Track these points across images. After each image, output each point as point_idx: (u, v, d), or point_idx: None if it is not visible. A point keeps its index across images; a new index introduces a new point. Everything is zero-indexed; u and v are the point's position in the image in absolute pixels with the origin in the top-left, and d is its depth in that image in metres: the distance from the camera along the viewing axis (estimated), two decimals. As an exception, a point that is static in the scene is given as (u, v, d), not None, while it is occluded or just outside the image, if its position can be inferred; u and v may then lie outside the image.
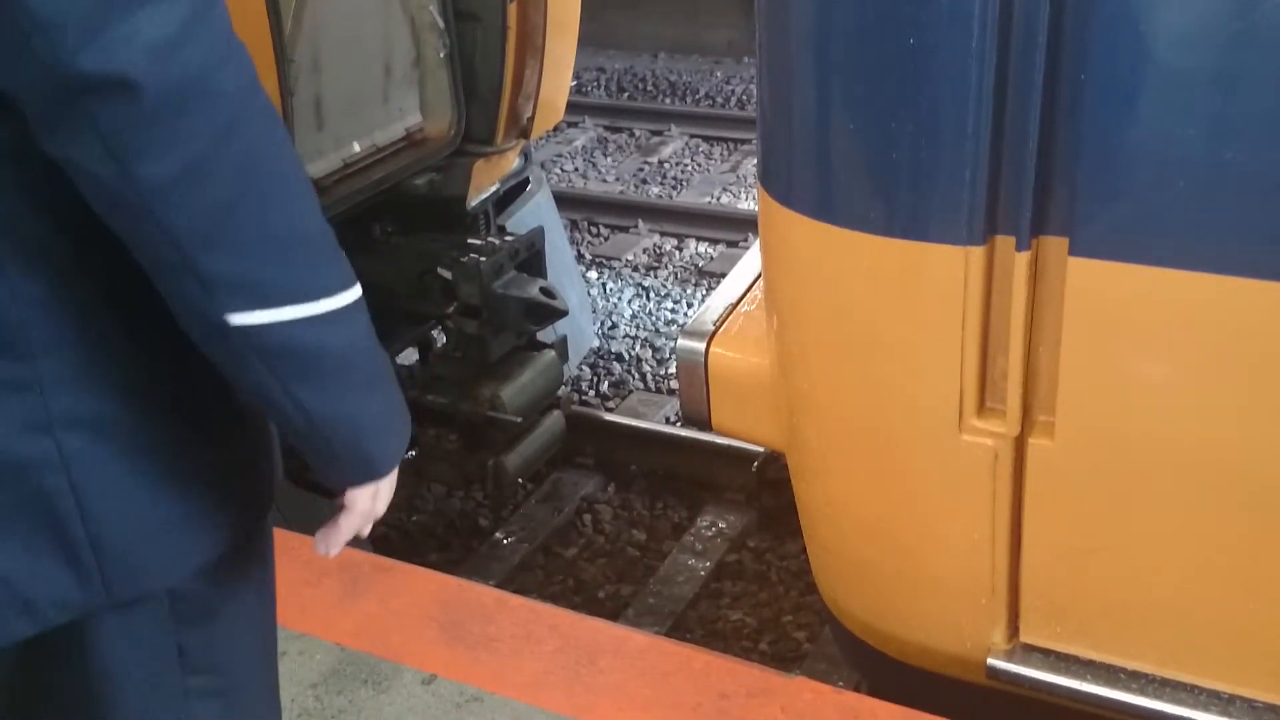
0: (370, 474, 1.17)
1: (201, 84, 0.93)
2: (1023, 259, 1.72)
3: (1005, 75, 1.63)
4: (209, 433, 1.16)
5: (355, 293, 1.08)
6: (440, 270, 3.63)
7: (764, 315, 2.24)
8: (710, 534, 3.85)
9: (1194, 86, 1.57)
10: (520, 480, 3.86)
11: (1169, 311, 1.68)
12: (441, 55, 3.66)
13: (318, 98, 3.43)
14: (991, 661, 2.06)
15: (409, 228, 3.79)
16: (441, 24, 3.63)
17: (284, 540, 2.61)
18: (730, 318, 2.37)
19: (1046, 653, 2.05)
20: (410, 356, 4.27)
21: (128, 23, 0.89)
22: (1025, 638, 2.06)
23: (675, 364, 2.37)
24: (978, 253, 1.73)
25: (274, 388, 1.05)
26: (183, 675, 1.22)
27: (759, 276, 2.32)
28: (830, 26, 1.77)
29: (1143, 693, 1.97)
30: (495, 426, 3.64)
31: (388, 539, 3.92)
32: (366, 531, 1.24)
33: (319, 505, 3.63)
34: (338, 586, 2.43)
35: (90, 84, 0.89)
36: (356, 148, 3.59)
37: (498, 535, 3.94)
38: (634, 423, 4.30)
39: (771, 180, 2.00)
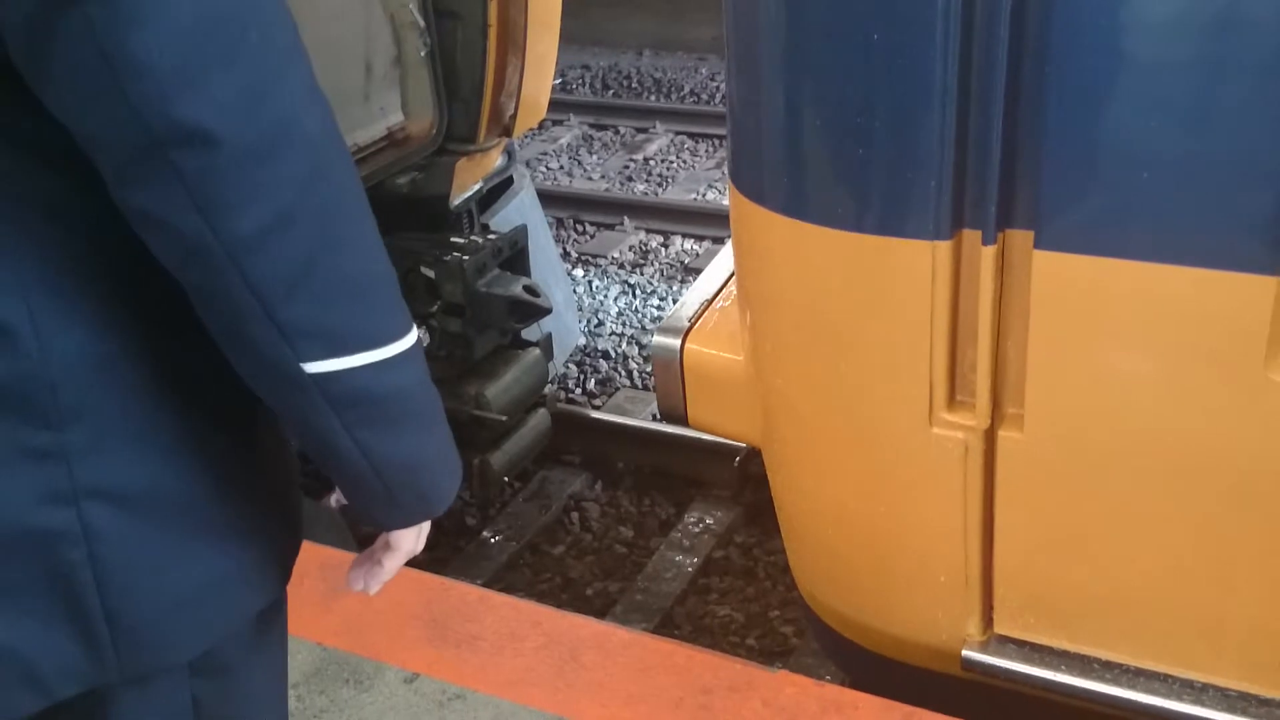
0: (427, 513, 1.17)
1: (287, 134, 0.93)
2: (989, 253, 1.73)
3: (969, 70, 1.64)
4: (238, 502, 1.13)
5: (415, 335, 1.09)
6: (423, 269, 3.63)
7: (738, 311, 2.25)
8: (698, 530, 3.86)
9: (1156, 79, 1.58)
10: (507, 479, 3.85)
11: (1134, 303, 1.69)
12: (422, 53, 3.65)
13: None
14: (966, 653, 2.07)
15: (391, 227, 3.76)
16: (422, 22, 3.62)
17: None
18: (705, 314, 2.38)
19: (1021, 644, 2.06)
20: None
21: (222, 73, 0.89)
22: (1000, 629, 2.07)
23: (651, 360, 2.34)
24: (945, 247, 1.75)
25: (340, 434, 1.05)
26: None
27: (734, 273, 2.33)
28: (796, 23, 1.78)
29: (1117, 683, 1.98)
30: (481, 425, 3.63)
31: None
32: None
33: (309, 508, 3.63)
34: (319, 586, 2.43)
35: (181, 134, 0.89)
36: (338, 146, 3.57)
37: (485, 534, 3.94)
38: (621, 420, 4.31)
39: (742, 177, 2.01)
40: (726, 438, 2.51)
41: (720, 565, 3.73)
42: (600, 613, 3.54)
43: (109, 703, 1.15)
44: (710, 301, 2.41)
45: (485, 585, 3.57)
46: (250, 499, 1.15)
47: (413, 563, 3.24)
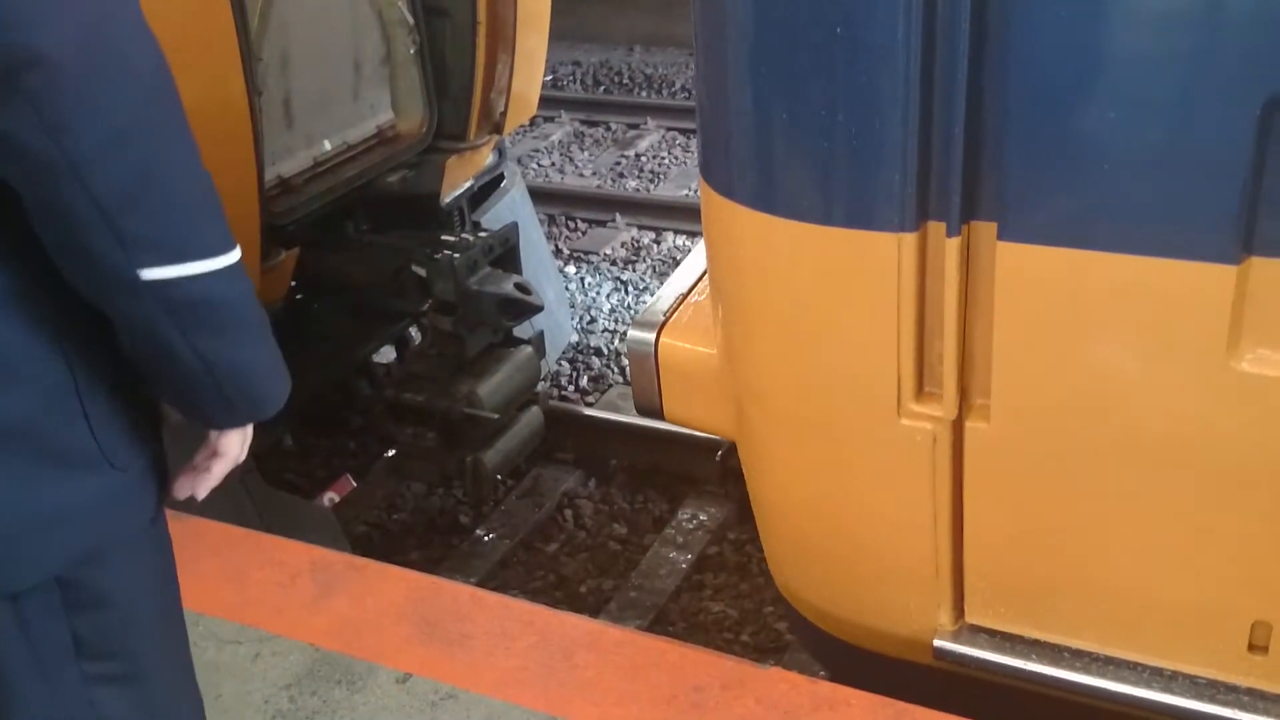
0: (259, 414, 1.27)
1: (119, 63, 1.05)
2: (954, 244, 1.74)
3: (931, 64, 1.65)
4: (78, 437, 1.19)
5: (239, 252, 1.19)
6: (415, 267, 3.62)
7: (711, 305, 2.26)
8: (691, 527, 3.86)
9: (1115, 71, 1.59)
10: (500, 476, 3.85)
11: (1097, 294, 1.70)
12: (411, 51, 3.64)
13: (287, 96, 3.41)
14: (938, 643, 2.08)
15: (382, 225, 3.77)
16: (411, 20, 3.61)
17: (257, 541, 2.60)
18: (681, 308, 2.39)
19: (992, 633, 2.07)
20: (388, 354, 4.26)
21: (63, 8, 1.01)
22: (971, 619, 2.08)
23: (626, 354, 2.36)
24: (910, 239, 1.76)
25: (176, 339, 1.15)
26: (79, 662, 1.26)
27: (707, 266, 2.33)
28: (761, 17, 1.79)
29: (1086, 671, 1.99)
30: (473, 423, 3.63)
31: (368, 538, 3.91)
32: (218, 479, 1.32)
33: (295, 506, 3.63)
34: (311, 586, 2.42)
35: (29, 59, 0.99)
36: (327, 145, 3.57)
37: (478, 532, 3.93)
38: (614, 417, 4.30)
39: (712, 171, 2.02)
40: (702, 431, 2.52)
41: (714, 562, 3.73)
42: (594, 610, 3.54)
43: None
44: (686, 296, 2.42)
45: (479, 583, 3.57)
46: (94, 434, 1.20)
47: (405, 561, 3.23)
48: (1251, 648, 1.89)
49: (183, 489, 1.33)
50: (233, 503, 3.40)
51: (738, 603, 3.54)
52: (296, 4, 3.36)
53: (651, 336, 2.32)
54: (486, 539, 3.91)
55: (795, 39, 1.75)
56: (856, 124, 1.73)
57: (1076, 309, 1.73)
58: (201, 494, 1.33)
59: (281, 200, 3.34)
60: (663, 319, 2.35)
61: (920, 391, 1.90)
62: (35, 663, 1.24)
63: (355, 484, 4.03)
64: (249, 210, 3.12)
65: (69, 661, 1.25)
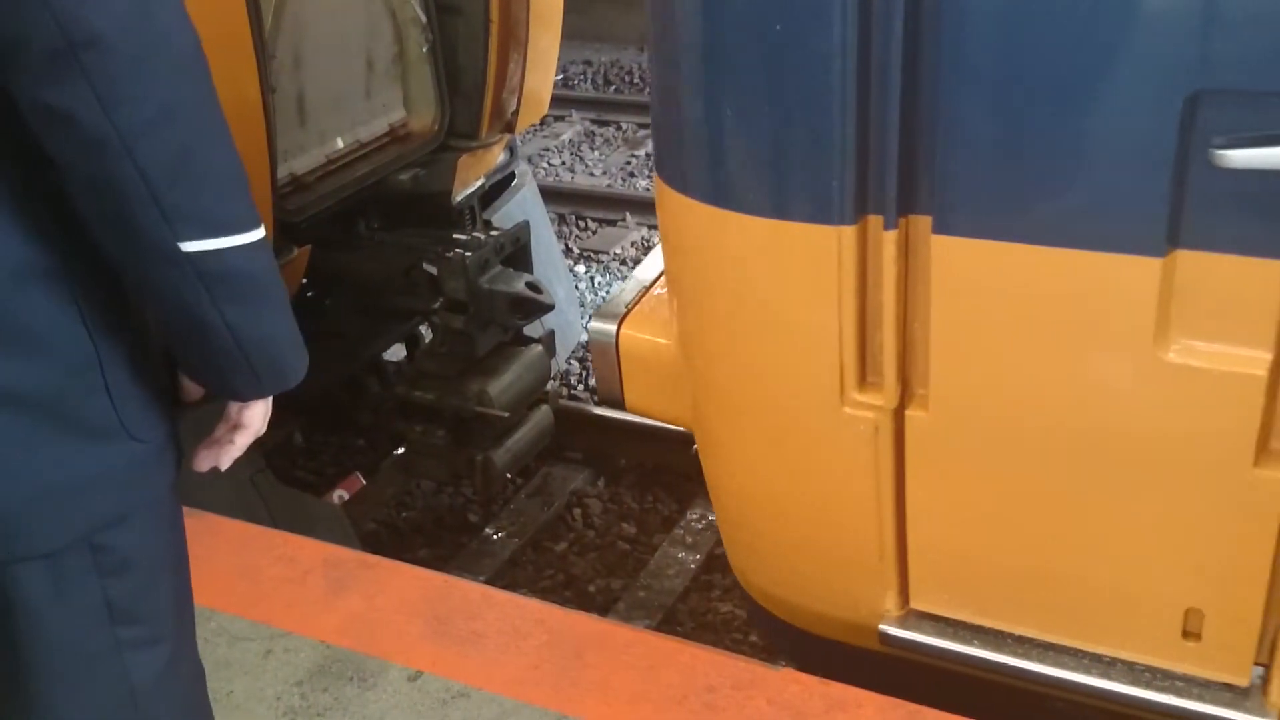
0: (281, 384, 1.31)
1: (165, 44, 1.12)
2: (890, 237, 1.79)
3: (868, 60, 1.70)
4: (112, 402, 1.24)
5: (264, 229, 1.25)
6: (425, 266, 3.62)
7: (668, 297, 2.31)
8: (700, 526, 3.85)
9: (1041, 67, 1.63)
10: (509, 475, 3.85)
11: (1029, 286, 1.74)
12: (424, 49, 3.65)
13: (300, 93, 3.42)
14: (884, 628, 2.12)
15: (394, 223, 3.78)
16: (423, 18, 3.61)
17: (269, 538, 2.61)
18: (643, 300, 2.43)
19: (937, 619, 2.11)
20: (398, 352, 4.26)
21: None
22: (916, 604, 2.12)
23: (589, 346, 2.43)
24: (849, 232, 1.80)
25: (208, 309, 1.20)
26: (113, 627, 1.30)
27: (666, 259, 2.38)
28: (707, 15, 1.84)
29: (1027, 657, 2.03)
30: (483, 422, 3.63)
31: (377, 535, 3.92)
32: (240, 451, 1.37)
33: (305, 503, 3.63)
34: (323, 583, 2.42)
35: (87, 37, 1.06)
36: (340, 143, 3.57)
37: (487, 531, 3.94)
38: (623, 416, 4.25)
39: (663, 165, 2.07)
40: (662, 421, 2.56)
41: (723, 562, 3.72)
42: (603, 610, 3.54)
43: (17, 597, 1.24)
44: (649, 288, 2.46)
45: (487, 582, 3.57)
46: (115, 406, 1.24)
47: (414, 559, 3.23)
48: (1185, 634, 1.92)
49: (205, 461, 1.37)
50: (243, 500, 3.40)
51: (746, 603, 3.54)
52: (310, 2, 3.36)
53: (613, 328, 2.38)
54: (495, 537, 3.91)
55: (737, 37, 1.80)
56: (795, 120, 1.78)
57: (1009, 301, 1.76)
58: (224, 465, 1.37)
59: (294, 198, 3.35)
60: (625, 310, 2.41)
61: (863, 381, 1.95)
62: (73, 627, 1.28)
63: (365, 482, 4.03)
64: (262, 207, 3.12)
65: (104, 625, 1.29)
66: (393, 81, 3.70)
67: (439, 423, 3.72)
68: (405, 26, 3.64)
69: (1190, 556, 1.84)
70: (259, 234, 1.23)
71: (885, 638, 2.12)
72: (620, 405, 2.46)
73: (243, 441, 1.36)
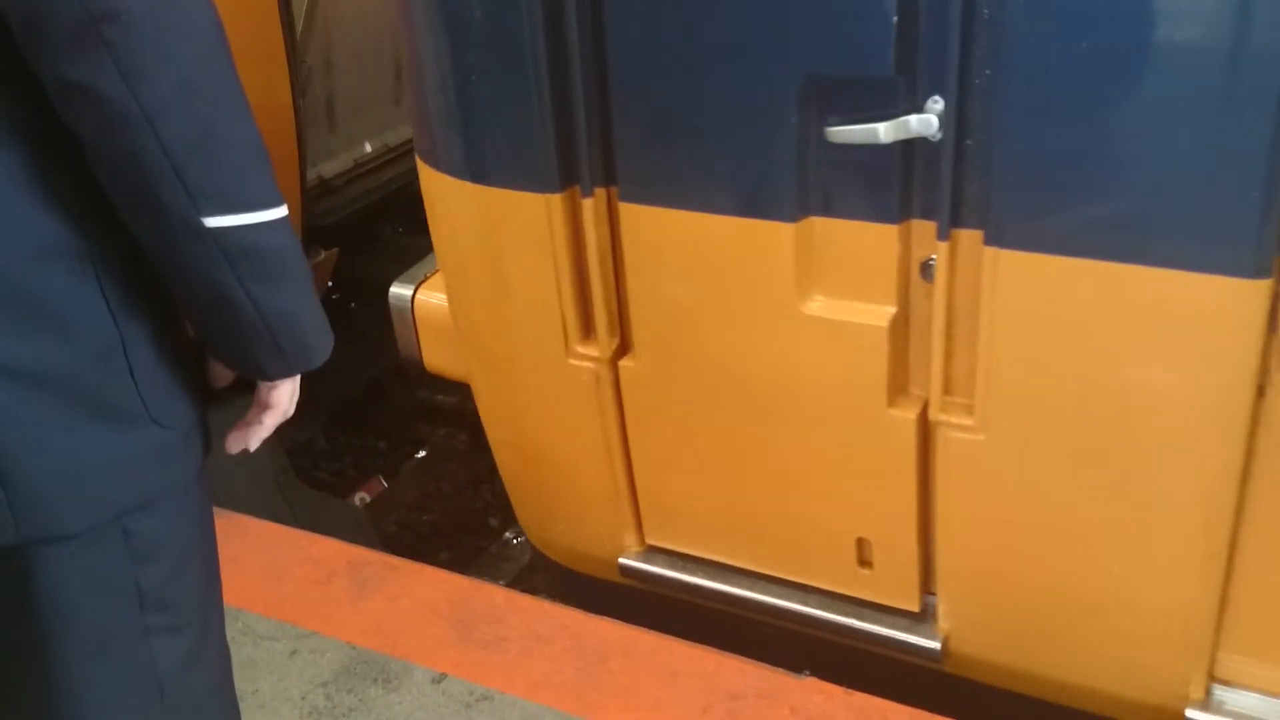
0: (307, 363, 1.31)
1: (184, 18, 1.12)
2: (589, 204, 2.01)
3: (558, 43, 1.88)
4: (136, 386, 1.24)
5: (286, 208, 1.25)
6: (451, 270, 3.64)
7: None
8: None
9: (684, 54, 1.80)
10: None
11: (691, 248, 1.95)
12: (452, 55, 3.66)
13: (329, 98, 3.45)
14: (622, 561, 2.35)
15: (420, 227, 3.79)
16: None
17: (295, 539, 2.62)
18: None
19: (669, 553, 2.33)
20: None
21: None
22: (650, 540, 2.34)
23: (390, 310, 2.63)
24: (557, 199, 2.01)
25: (234, 286, 1.20)
26: (142, 614, 1.30)
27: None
28: (429, 4, 2.00)
29: (740, 585, 2.24)
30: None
31: (398, 538, 3.93)
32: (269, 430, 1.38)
33: (327, 505, 3.65)
34: (348, 585, 2.44)
35: (108, 11, 1.07)
36: (368, 148, 3.60)
37: (508, 534, 3.94)
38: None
39: (417, 140, 2.28)
40: (455, 379, 2.66)
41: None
42: (622, 616, 3.54)
43: (45, 579, 1.24)
44: None
45: (508, 586, 3.57)
46: (140, 391, 1.24)
47: (435, 562, 3.25)
48: (861, 563, 2.12)
49: (235, 443, 1.37)
50: (266, 501, 3.42)
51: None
52: (341, 8, 3.39)
53: (409, 292, 2.55)
54: (515, 541, 3.92)
55: (449, 21, 1.98)
56: (501, 97, 1.98)
57: (680, 261, 1.97)
58: (254, 446, 1.38)
59: (322, 201, 3.38)
60: (424, 277, 2.57)
61: (588, 334, 2.15)
62: (102, 612, 1.28)
63: (386, 484, 4.05)
64: (291, 210, 3.14)
65: (134, 611, 1.29)
66: (421, 87, 3.72)
67: (460, 426, 3.73)
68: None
69: (850, 491, 2.04)
70: (282, 212, 1.23)
71: (623, 570, 2.35)
72: (421, 367, 2.62)
73: (271, 422, 1.36)
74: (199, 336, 1.31)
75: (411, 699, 2.17)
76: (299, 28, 3.20)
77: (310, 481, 3.88)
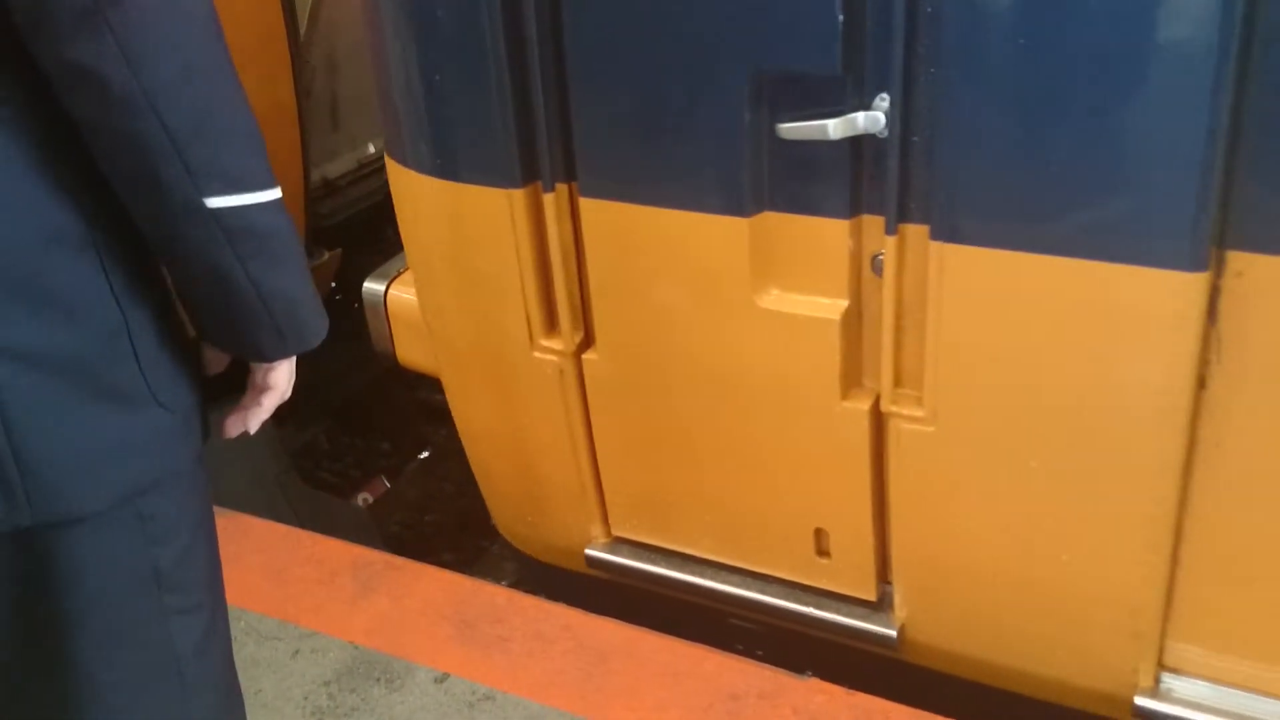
0: (304, 343, 1.34)
1: (182, 3, 1.15)
2: (550, 199, 2.05)
3: (519, 44, 1.92)
4: (140, 369, 1.26)
5: (279, 190, 1.28)
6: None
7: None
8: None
9: (633, 54, 1.85)
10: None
11: (655, 243, 1.98)
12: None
13: (333, 99, 3.45)
14: (589, 551, 2.39)
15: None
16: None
17: (298, 539, 2.63)
18: None
19: (635, 544, 2.36)
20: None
21: None
22: (616, 532, 2.38)
23: (364, 306, 2.68)
24: (519, 194, 2.05)
25: (234, 266, 1.23)
26: (159, 594, 1.32)
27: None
28: (393, 5, 2.04)
29: (702, 575, 2.28)
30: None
31: (401, 538, 3.93)
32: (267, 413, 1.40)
33: (330, 506, 3.65)
34: (351, 585, 2.44)
35: None
36: (371, 149, 3.60)
37: (510, 535, 3.94)
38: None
39: (386, 137, 2.32)
40: (428, 374, 2.69)
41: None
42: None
43: (62, 561, 1.26)
44: None
45: (510, 586, 3.57)
46: (144, 374, 1.26)
47: (438, 562, 3.26)
48: (819, 553, 2.15)
49: (234, 426, 1.39)
50: (269, 501, 3.43)
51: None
52: (344, 8, 3.39)
53: (382, 288, 2.60)
54: (518, 542, 3.92)
55: (415, 20, 2.01)
56: (465, 95, 2.01)
57: (639, 255, 2.00)
58: (254, 428, 1.40)
59: (326, 201, 3.38)
60: (397, 272, 2.61)
61: (552, 328, 2.19)
62: (121, 593, 1.30)
63: (389, 484, 4.05)
64: (294, 211, 3.16)
65: (153, 593, 1.31)
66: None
67: (464, 427, 3.73)
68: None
69: (806, 482, 2.07)
70: (277, 193, 1.26)
71: (590, 560, 2.38)
72: (395, 362, 2.66)
73: (269, 404, 1.38)
74: (195, 322, 1.32)
75: (414, 699, 2.18)
76: (303, 29, 3.21)
77: (313, 482, 3.88)
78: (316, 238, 3.30)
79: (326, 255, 3.38)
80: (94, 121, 1.15)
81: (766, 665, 2.18)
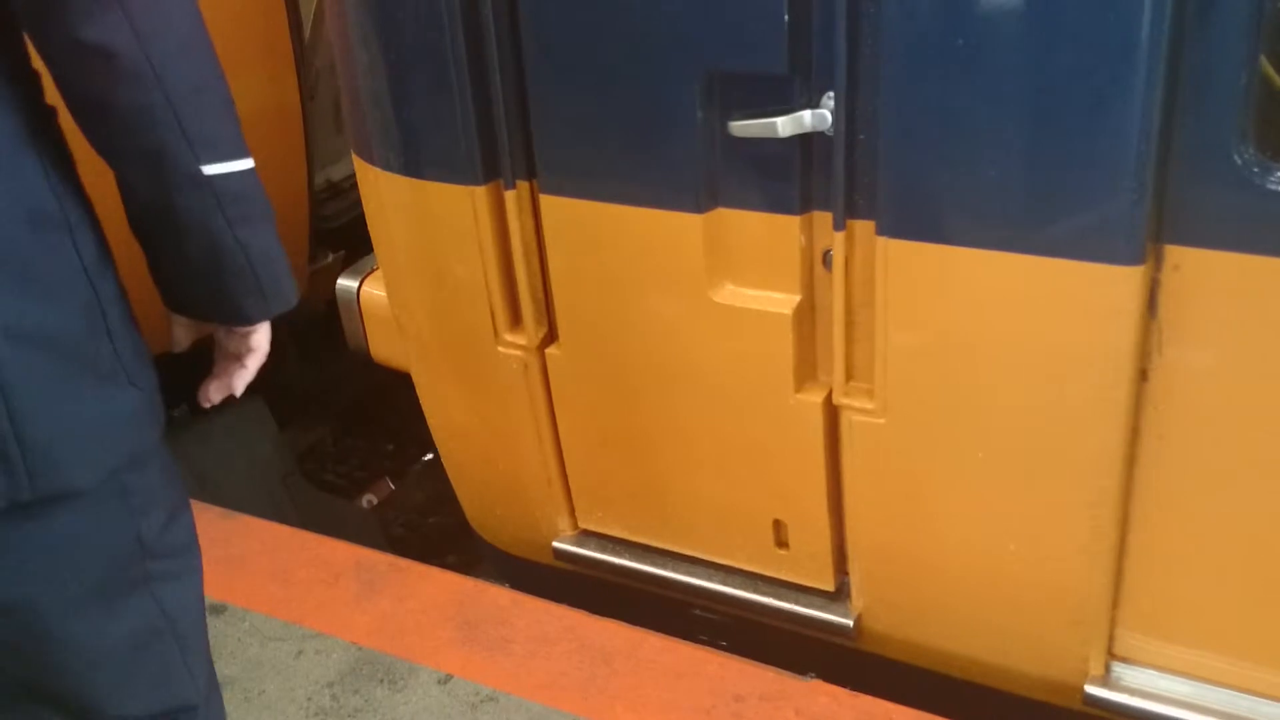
0: (284, 303, 1.41)
1: None
2: (511, 196, 2.09)
3: (478, 45, 1.96)
4: (114, 347, 1.31)
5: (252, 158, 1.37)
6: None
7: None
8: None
9: (592, 53, 1.88)
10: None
11: (613, 240, 2.01)
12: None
13: (337, 102, 3.45)
14: (556, 544, 2.42)
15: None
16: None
17: (302, 540, 2.63)
18: None
19: (602, 537, 2.39)
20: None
21: None
22: (583, 524, 2.41)
23: (338, 302, 2.73)
24: (481, 192, 2.09)
25: (225, 230, 1.31)
26: (145, 561, 1.38)
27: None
28: (357, 10, 2.09)
29: (664, 567, 2.32)
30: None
31: (405, 540, 3.93)
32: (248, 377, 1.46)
33: (335, 508, 3.66)
34: (354, 586, 2.45)
35: None
36: (375, 151, 3.60)
37: (514, 537, 3.94)
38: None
39: (353, 136, 2.37)
40: (401, 370, 2.72)
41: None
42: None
43: (53, 526, 1.30)
44: None
45: (513, 588, 3.57)
46: (117, 352, 1.32)
47: (441, 564, 3.26)
48: (778, 544, 2.18)
49: (217, 391, 1.47)
50: (274, 502, 3.43)
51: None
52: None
53: (355, 285, 2.65)
54: (522, 544, 3.92)
55: (377, 21, 2.06)
56: (429, 94, 2.05)
57: (598, 251, 2.04)
58: (239, 390, 1.46)
59: (330, 204, 3.39)
60: (370, 270, 2.65)
61: (516, 324, 2.22)
62: (112, 565, 1.35)
63: (393, 486, 4.06)
64: (299, 213, 3.17)
65: (140, 561, 1.37)
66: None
67: (468, 429, 3.73)
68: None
69: (764, 474, 2.10)
70: (251, 161, 1.34)
71: (557, 553, 2.41)
72: (368, 357, 2.69)
73: (253, 365, 1.45)
74: (176, 294, 1.38)
75: (417, 699, 2.18)
76: (307, 31, 3.21)
77: (318, 484, 3.89)
78: (320, 240, 3.30)
79: (330, 257, 3.39)
80: (102, 97, 1.22)
81: (769, 667, 2.18)
